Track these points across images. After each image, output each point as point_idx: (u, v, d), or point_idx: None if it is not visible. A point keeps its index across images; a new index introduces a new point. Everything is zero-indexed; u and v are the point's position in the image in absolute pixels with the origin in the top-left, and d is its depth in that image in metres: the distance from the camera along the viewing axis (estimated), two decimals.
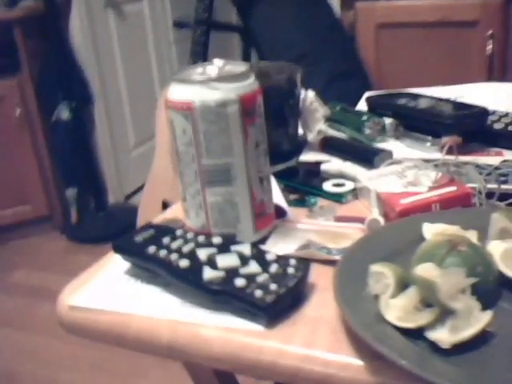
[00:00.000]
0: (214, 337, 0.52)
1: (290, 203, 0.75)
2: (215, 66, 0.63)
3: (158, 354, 0.54)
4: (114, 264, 0.63)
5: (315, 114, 0.85)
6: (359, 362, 0.46)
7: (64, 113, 2.33)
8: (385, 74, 1.84)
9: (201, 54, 1.67)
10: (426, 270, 0.48)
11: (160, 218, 0.73)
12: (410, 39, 1.80)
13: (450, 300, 0.45)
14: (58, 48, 2.35)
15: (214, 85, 0.59)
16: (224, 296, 0.53)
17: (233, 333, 0.52)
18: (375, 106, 0.89)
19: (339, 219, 0.70)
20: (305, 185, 0.79)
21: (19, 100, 2.29)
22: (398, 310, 0.47)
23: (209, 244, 0.59)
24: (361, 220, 0.67)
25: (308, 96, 0.85)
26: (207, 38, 1.69)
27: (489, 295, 0.49)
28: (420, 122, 0.84)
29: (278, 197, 0.75)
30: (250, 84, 0.61)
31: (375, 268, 0.51)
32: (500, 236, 0.55)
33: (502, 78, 1.71)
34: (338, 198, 0.75)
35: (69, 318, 0.58)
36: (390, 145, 0.85)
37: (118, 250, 0.62)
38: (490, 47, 1.72)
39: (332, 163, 0.82)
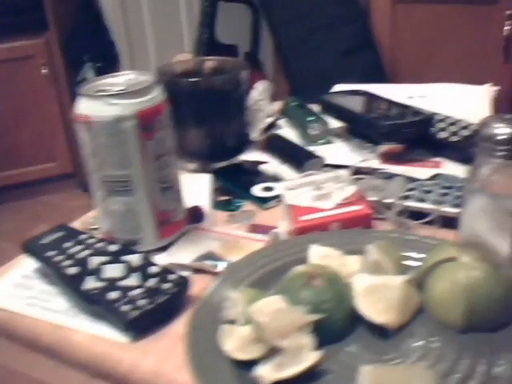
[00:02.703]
0: (85, 343, 0.56)
1: (215, 205, 0.77)
2: (123, 79, 0.65)
3: (41, 353, 0.59)
4: (27, 262, 0.67)
5: (259, 113, 0.85)
6: None
7: (89, 73, 2.38)
8: (398, 50, 1.79)
9: (208, 25, 1.66)
10: (266, 304, 0.49)
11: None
12: (426, 15, 1.73)
13: (276, 338, 0.47)
14: (86, 8, 2.39)
15: (111, 100, 0.60)
16: (98, 306, 0.57)
17: (101, 341, 0.55)
18: (326, 107, 0.89)
19: (252, 228, 0.71)
20: (236, 186, 0.80)
21: (46, 59, 2.35)
22: (238, 339, 0.49)
23: (104, 252, 0.63)
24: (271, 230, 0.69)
25: (252, 95, 0.85)
26: (215, 9, 1.68)
27: (335, 332, 0.51)
28: (360, 128, 0.83)
29: (203, 199, 0.77)
30: (151, 99, 0.62)
31: (231, 294, 0.53)
32: (373, 268, 0.56)
33: None
34: (261, 203, 0.76)
35: None
36: (332, 148, 0.85)
37: (25, 249, 0.66)
38: (507, 28, 1.64)
39: (269, 164, 0.83)
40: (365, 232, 0.64)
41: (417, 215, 0.69)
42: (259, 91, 0.88)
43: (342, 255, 0.59)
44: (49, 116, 2.45)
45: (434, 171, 0.77)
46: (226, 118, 0.83)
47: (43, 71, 2.35)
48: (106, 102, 0.60)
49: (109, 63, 2.45)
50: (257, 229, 0.71)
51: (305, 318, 0.49)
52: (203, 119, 0.83)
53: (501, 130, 0.57)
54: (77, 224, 0.75)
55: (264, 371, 0.46)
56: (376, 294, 0.52)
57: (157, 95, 0.63)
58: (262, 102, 0.86)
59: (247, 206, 0.77)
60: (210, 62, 0.88)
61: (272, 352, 0.48)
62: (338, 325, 0.51)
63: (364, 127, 0.82)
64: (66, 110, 2.46)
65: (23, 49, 2.33)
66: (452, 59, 1.74)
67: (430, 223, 0.68)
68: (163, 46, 2.70)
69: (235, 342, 0.49)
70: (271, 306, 0.49)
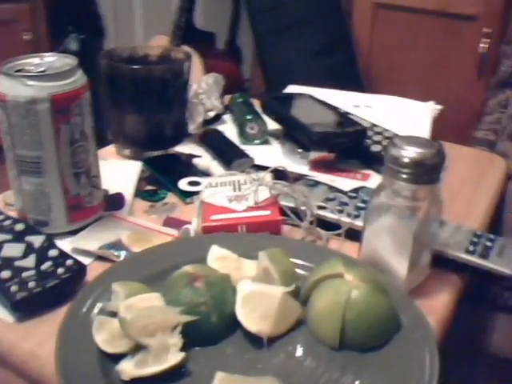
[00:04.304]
0: None
1: (140, 194, 0.78)
2: (47, 60, 0.65)
3: None
4: None
5: (198, 106, 0.86)
6: None
7: (72, 44, 2.36)
8: (375, 54, 1.79)
9: (186, 10, 1.65)
10: (141, 300, 0.50)
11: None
12: (405, 24, 1.73)
13: (141, 336, 0.48)
14: None
15: (27, 81, 0.60)
16: None
17: None
18: (267, 107, 0.89)
19: (167, 221, 0.72)
20: (164, 177, 0.80)
21: (29, 25, 2.33)
22: (108, 332, 0.49)
23: (8, 230, 0.63)
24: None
25: (192, 88, 0.85)
26: None
27: (209, 335, 0.51)
28: (294, 133, 0.84)
29: (128, 186, 0.77)
30: (70, 83, 0.62)
31: (114, 285, 0.53)
32: (261, 275, 0.56)
33: (491, 77, 1.64)
34: (184, 196, 0.77)
35: None
36: (266, 149, 0.85)
37: None
38: (483, 45, 1.64)
39: (202, 159, 0.84)
40: (269, 238, 0.65)
41: (332, 226, 0.70)
42: (203, 83, 0.88)
43: (240, 259, 0.59)
44: None
45: (359, 183, 0.78)
46: (164, 108, 0.84)
47: (25, 37, 2.33)
48: (22, 82, 0.60)
49: (93, 36, 2.43)
50: (172, 223, 0.71)
51: (175, 318, 0.49)
52: (141, 106, 0.83)
53: (406, 153, 0.57)
54: None
55: (126, 366, 0.47)
56: (254, 302, 0.52)
57: (76, 80, 0.63)
58: (204, 95, 0.86)
59: (171, 198, 0.77)
60: (156, 49, 0.88)
61: (138, 348, 0.48)
62: (213, 328, 0.52)
63: (297, 132, 0.82)
64: None
65: (7, 12, 2.31)
66: (426, 70, 1.75)
67: (341, 235, 0.69)
68: (149, 25, 2.68)
69: (105, 335, 0.49)
70: (145, 303, 0.50)
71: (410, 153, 0.57)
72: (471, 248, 0.65)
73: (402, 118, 0.91)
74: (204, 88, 0.87)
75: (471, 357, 0.81)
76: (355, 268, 0.55)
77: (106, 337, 0.49)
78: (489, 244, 0.66)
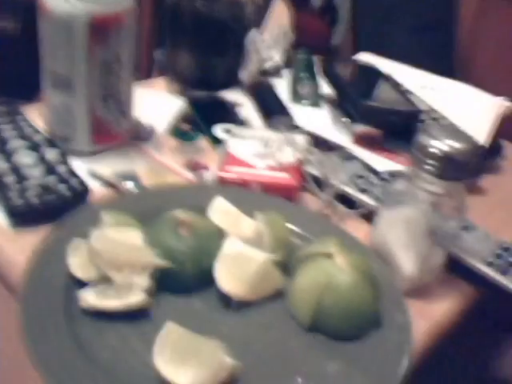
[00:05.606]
0: None
1: (173, 131, 0.77)
2: None
3: None
4: None
5: (253, 54, 0.83)
6: None
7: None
8: (478, 45, 1.66)
9: None
10: (121, 234, 0.49)
11: None
12: None
13: (108, 268, 0.47)
14: None
15: None
16: None
17: None
18: (325, 69, 0.85)
19: (189, 163, 0.70)
20: (202, 118, 0.78)
21: None
22: (82, 257, 0.49)
23: (27, 137, 0.64)
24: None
25: (250, 36, 0.82)
26: None
27: (182, 284, 0.50)
28: (344, 101, 0.79)
29: (163, 121, 0.77)
30: (113, 5, 0.61)
31: (103, 214, 0.52)
32: (253, 237, 0.54)
33: None
34: (214, 142, 0.75)
35: None
36: (314, 112, 0.81)
37: None
38: None
39: (244, 108, 0.81)
40: (278, 201, 0.62)
41: (353, 202, 0.66)
42: (266, 33, 0.85)
43: (240, 215, 0.57)
44: None
45: (397, 167, 0.73)
46: (218, 49, 0.81)
47: None
48: None
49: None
50: (193, 165, 0.70)
51: (147, 259, 0.48)
52: (194, 43, 0.81)
53: (435, 143, 0.53)
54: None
55: (87, 294, 0.47)
56: (235, 262, 0.50)
57: (121, 3, 0.62)
58: (262, 44, 0.83)
59: (202, 142, 0.76)
60: None
61: (106, 280, 0.48)
62: (186, 278, 0.50)
63: (346, 101, 0.78)
64: None
65: None
66: None
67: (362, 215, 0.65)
68: None
69: (79, 259, 0.49)
70: (121, 236, 0.49)
71: (439, 144, 0.52)
72: (492, 260, 0.60)
73: (466, 107, 0.84)
74: (264, 37, 0.84)
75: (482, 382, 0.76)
76: (351, 252, 0.51)
77: (78, 261, 0.49)
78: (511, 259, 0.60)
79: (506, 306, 0.63)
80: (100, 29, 0.61)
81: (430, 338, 0.54)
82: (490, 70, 1.64)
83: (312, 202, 0.67)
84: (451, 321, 0.57)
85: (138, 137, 0.72)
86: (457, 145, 0.52)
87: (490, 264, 0.59)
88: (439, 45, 1.64)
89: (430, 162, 0.53)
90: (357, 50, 1.80)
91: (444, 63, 1.63)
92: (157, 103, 0.79)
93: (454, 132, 0.57)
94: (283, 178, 0.64)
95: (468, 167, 0.54)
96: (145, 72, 1.41)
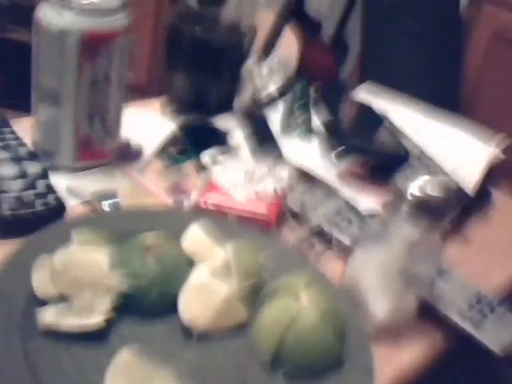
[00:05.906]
0: None
1: (162, 153, 0.76)
2: None
3: None
4: None
5: (249, 83, 0.83)
6: None
7: None
8: (482, 88, 1.66)
9: None
10: (85, 254, 0.49)
11: None
12: None
13: (68, 288, 0.47)
14: None
15: (63, 12, 0.60)
16: None
17: None
18: (319, 98, 0.85)
19: (172, 186, 0.70)
20: (191, 143, 0.78)
21: None
22: (46, 274, 0.49)
23: (11, 150, 0.64)
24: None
25: (247, 64, 0.83)
26: None
27: (144, 309, 0.50)
28: (333, 134, 0.79)
29: (153, 141, 0.77)
30: (107, 22, 0.62)
31: (74, 232, 0.52)
32: (221, 268, 0.53)
33: None
34: (200, 167, 0.75)
35: None
36: (304, 145, 0.81)
37: None
38: None
39: (234, 136, 0.81)
40: (252, 234, 0.61)
41: (330, 240, 0.66)
42: (265, 63, 0.86)
43: (213, 245, 0.57)
44: None
45: (378, 205, 0.72)
46: (214, 75, 0.82)
47: None
48: (58, 12, 0.60)
49: None
50: (176, 189, 0.70)
51: (110, 281, 0.48)
52: (191, 67, 0.81)
53: (412, 189, 0.52)
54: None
55: (46, 312, 0.46)
56: (199, 293, 0.50)
57: (116, 20, 0.62)
58: (258, 73, 0.83)
59: (189, 166, 0.76)
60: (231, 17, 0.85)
61: (66, 299, 0.47)
62: (149, 305, 0.50)
63: (335, 135, 0.78)
64: None
65: None
66: None
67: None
68: None
69: (42, 276, 0.49)
70: (86, 255, 0.49)
71: (415, 189, 0.52)
72: (465, 310, 0.59)
73: (457, 154, 0.84)
74: (263, 67, 0.84)
75: None
76: (319, 291, 0.51)
77: (42, 278, 0.49)
78: (486, 311, 0.59)
79: (475, 358, 0.62)
80: (91, 45, 0.61)
81: None
82: (495, 104, 1.65)
83: (290, 235, 0.66)
84: (418, 368, 0.56)
85: (125, 156, 0.72)
86: (433, 191, 0.52)
87: (462, 315, 0.58)
88: (445, 77, 1.64)
89: (406, 206, 0.53)
90: (362, 80, 1.81)
91: (449, 98, 1.63)
92: (148, 124, 0.79)
93: (435, 178, 0.56)
94: (260, 210, 0.63)
95: (443, 214, 0.53)
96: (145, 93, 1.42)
